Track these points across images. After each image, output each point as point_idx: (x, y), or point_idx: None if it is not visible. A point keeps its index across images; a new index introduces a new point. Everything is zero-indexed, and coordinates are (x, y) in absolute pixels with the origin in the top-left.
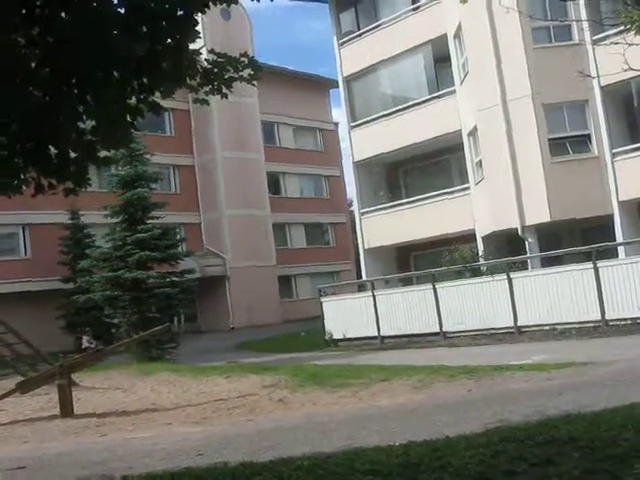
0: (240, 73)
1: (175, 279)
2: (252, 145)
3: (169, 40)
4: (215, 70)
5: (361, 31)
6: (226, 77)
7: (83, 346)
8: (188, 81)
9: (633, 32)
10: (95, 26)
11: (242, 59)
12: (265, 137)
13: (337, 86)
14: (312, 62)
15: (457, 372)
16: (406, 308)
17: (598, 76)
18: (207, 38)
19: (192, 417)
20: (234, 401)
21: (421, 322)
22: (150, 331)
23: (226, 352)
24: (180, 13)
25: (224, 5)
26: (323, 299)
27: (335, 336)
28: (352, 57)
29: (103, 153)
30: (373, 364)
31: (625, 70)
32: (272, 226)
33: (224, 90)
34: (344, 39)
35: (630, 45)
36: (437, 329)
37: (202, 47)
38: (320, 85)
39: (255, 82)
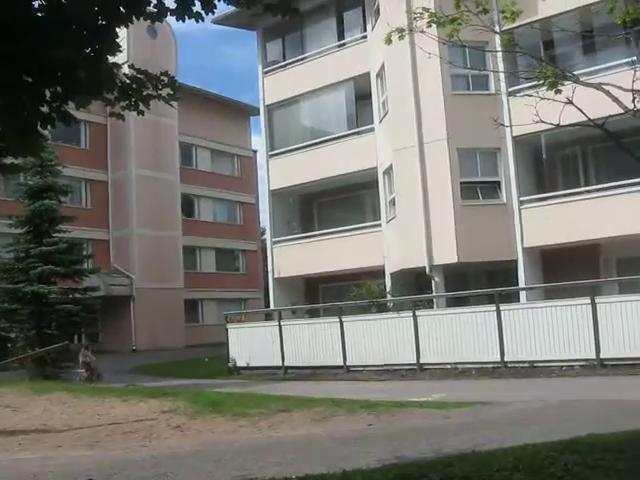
0: (159, 91)
1: (78, 296)
2: (168, 165)
3: (88, 49)
4: (134, 86)
5: (286, 62)
6: (144, 94)
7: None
8: (105, 94)
9: (545, 87)
10: (10, 27)
11: (162, 78)
12: (182, 158)
13: (258, 114)
14: (236, 88)
15: (358, 406)
16: (311, 340)
17: (511, 126)
18: (131, 53)
19: (84, 440)
20: (130, 425)
21: (325, 354)
22: (47, 348)
23: (126, 374)
24: (101, 23)
25: (149, 22)
26: (229, 326)
27: (239, 364)
28: (275, 86)
29: (10, 160)
30: (274, 394)
31: (536, 122)
32: (182, 249)
33: (141, 107)
34: (269, 68)
35: (542, 99)
36: (341, 362)
37: (125, 62)
38: (241, 111)
39: (174, 102)
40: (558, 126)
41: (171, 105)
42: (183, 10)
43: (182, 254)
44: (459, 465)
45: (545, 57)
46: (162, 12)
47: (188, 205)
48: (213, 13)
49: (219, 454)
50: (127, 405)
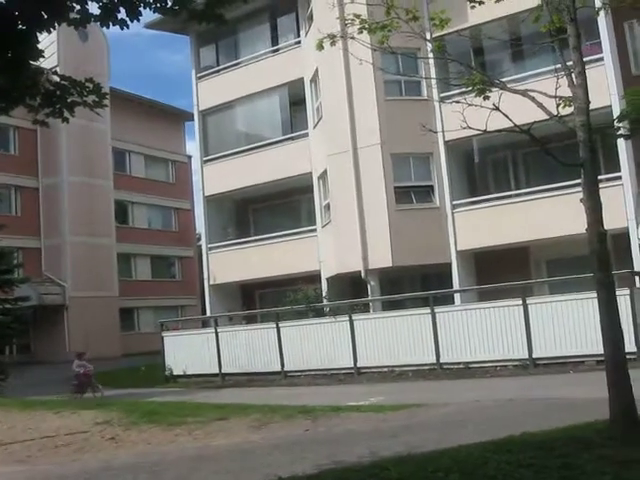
0: (84, 98)
1: (8, 306)
2: (101, 171)
3: (8, 54)
4: (57, 92)
5: (220, 67)
6: (69, 101)
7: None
8: (28, 101)
9: (474, 93)
10: None
11: (87, 84)
12: (115, 164)
13: (193, 119)
14: (170, 93)
15: (295, 412)
16: (248, 346)
17: (443, 131)
18: (61, 58)
19: (15, 455)
20: (62, 439)
21: (263, 361)
22: None
23: (60, 385)
24: (22, 28)
25: (72, 27)
26: (164, 334)
27: (175, 372)
28: (209, 92)
29: None
30: (212, 402)
31: (463, 128)
32: (117, 256)
33: (66, 114)
34: (203, 73)
35: (470, 105)
36: (279, 368)
37: (55, 67)
38: (176, 117)
39: (103, 108)
40: (485, 132)
41: (97, 113)
42: (107, 17)
43: (116, 261)
44: (395, 468)
45: (475, 64)
46: (85, 18)
47: (122, 212)
48: (138, 20)
49: (154, 465)
50: (59, 418)
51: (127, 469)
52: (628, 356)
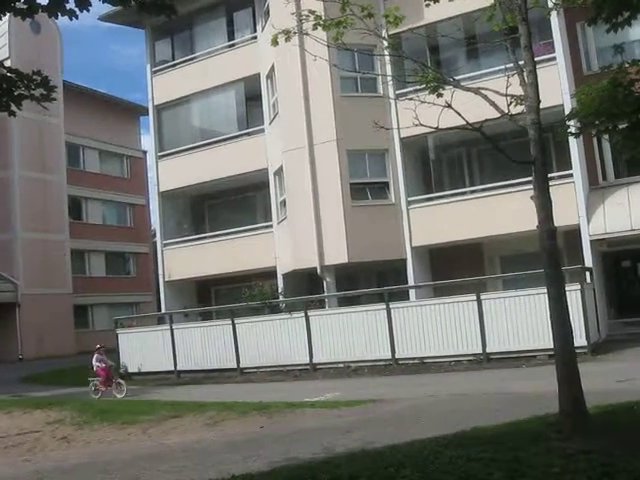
0: (32, 91)
1: None
2: (54, 166)
3: None
4: (4, 85)
5: (176, 61)
6: (16, 94)
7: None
8: None
9: (427, 91)
10: None
11: (35, 77)
12: (69, 159)
13: (148, 114)
14: (126, 87)
15: (250, 409)
16: (204, 343)
17: (399, 128)
18: (12, 49)
19: None
20: (13, 439)
21: (219, 357)
22: None
23: (11, 384)
24: None
25: (21, 17)
26: (119, 331)
27: (130, 370)
28: (165, 86)
29: None
30: (166, 400)
31: (415, 125)
32: (70, 252)
33: (13, 107)
34: (158, 67)
35: (422, 102)
36: (234, 365)
37: (6, 58)
38: (131, 111)
39: (49, 103)
40: (437, 129)
41: (44, 107)
42: (55, 7)
43: (70, 258)
44: (348, 465)
45: (431, 62)
46: (33, 8)
47: (76, 207)
48: (88, 10)
49: (107, 465)
50: (10, 418)
51: (79, 469)
52: (579, 350)
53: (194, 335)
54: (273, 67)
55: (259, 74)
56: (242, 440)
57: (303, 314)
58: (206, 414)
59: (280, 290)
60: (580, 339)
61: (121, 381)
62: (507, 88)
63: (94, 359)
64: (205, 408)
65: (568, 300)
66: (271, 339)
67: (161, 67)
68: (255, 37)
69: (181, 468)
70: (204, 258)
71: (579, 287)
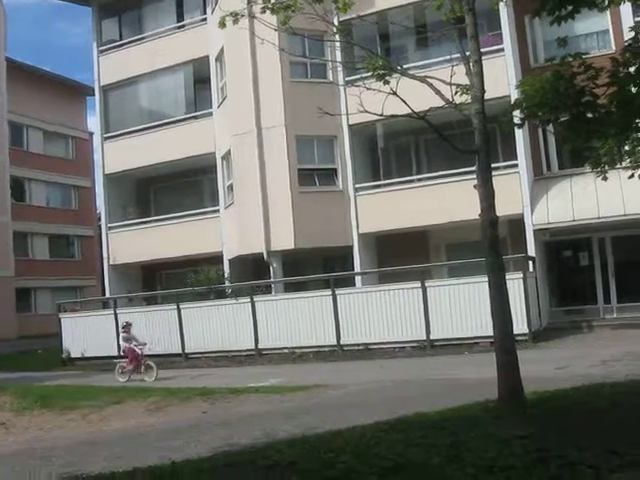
0: None
1: None
2: None
3: None
4: None
5: (123, 41)
6: None
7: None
8: None
9: (374, 78)
10: None
11: None
12: (12, 139)
13: (94, 94)
14: (71, 66)
15: (194, 394)
16: (149, 328)
17: (347, 114)
18: None
19: None
20: None
21: (164, 342)
22: None
23: None
24: None
25: None
26: (62, 315)
27: (73, 355)
28: (112, 66)
29: None
30: (108, 385)
31: (360, 112)
32: (13, 234)
33: None
34: (105, 47)
35: (368, 89)
36: (179, 350)
37: None
38: (77, 91)
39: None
40: (382, 116)
41: None
42: None
43: (12, 240)
44: (288, 450)
45: (381, 49)
46: None
47: (19, 189)
48: None
49: (46, 451)
50: None
51: (17, 456)
52: (520, 338)
53: (138, 320)
54: (223, 50)
55: (208, 57)
56: (184, 426)
57: (249, 299)
58: (148, 400)
59: (226, 275)
60: (522, 326)
61: (151, 363)
62: (451, 77)
63: (120, 338)
64: (148, 394)
65: (511, 288)
66: (217, 324)
67: (108, 47)
68: (205, 19)
69: (121, 454)
70: (150, 242)
71: (522, 276)
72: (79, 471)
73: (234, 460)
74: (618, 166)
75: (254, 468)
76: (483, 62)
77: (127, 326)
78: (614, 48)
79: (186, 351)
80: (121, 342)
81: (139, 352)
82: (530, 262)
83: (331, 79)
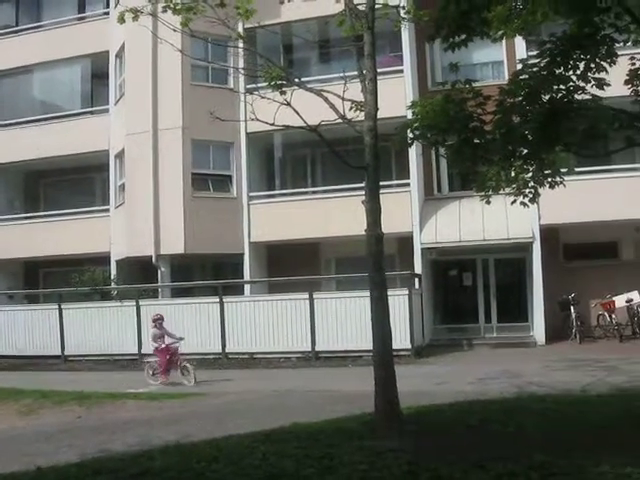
0: None
1: None
2: None
3: None
4: None
5: (19, 27)
6: None
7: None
8: None
9: (270, 88)
10: None
11: None
12: None
13: None
14: None
15: (69, 398)
16: (27, 328)
17: (245, 121)
18: None
19: None
20: None
21: (43, 343)
22: None
23: None
24: None
25: None
26: None
27: None
28: (4, 53)
29: None
30: None
31: (252, 119)
32: None
33: None
34: None
35: (262, 98)
36: (59, 352)
37: None
38: None
39: None
40: (273, 125)
41: None
42: None
43: None
44: (161, 458)
45: (284, 60)
46: None
47: None
48: None
49: None
50: None
51: None
52: (403, 353)
53: (17, 319)
54: (123, 46)
55: (108, 52)
56: (56, 430)
57: (134, 303)
58: (21, 402)
59: (113, 277)
60: (405, 342)
61: (188, 365)
62: (344, 92)
63: (150, 336)
64: (20, 396)
65: (396, 304)
66: (100, 327)
67: (2, 32)
68: (107, 13)
69: None
70: (35, 238)
71: (407, 292)
72: None
73: (103, 467)
74: (502, 192)
75: (123, 476)
76: (383, 82)
77: (159, 319)
78: (507, 78)
79: (66, 353)
80: (150, 341)
81: (173, 350)
82: (416, 279)
83: (232, 85)
